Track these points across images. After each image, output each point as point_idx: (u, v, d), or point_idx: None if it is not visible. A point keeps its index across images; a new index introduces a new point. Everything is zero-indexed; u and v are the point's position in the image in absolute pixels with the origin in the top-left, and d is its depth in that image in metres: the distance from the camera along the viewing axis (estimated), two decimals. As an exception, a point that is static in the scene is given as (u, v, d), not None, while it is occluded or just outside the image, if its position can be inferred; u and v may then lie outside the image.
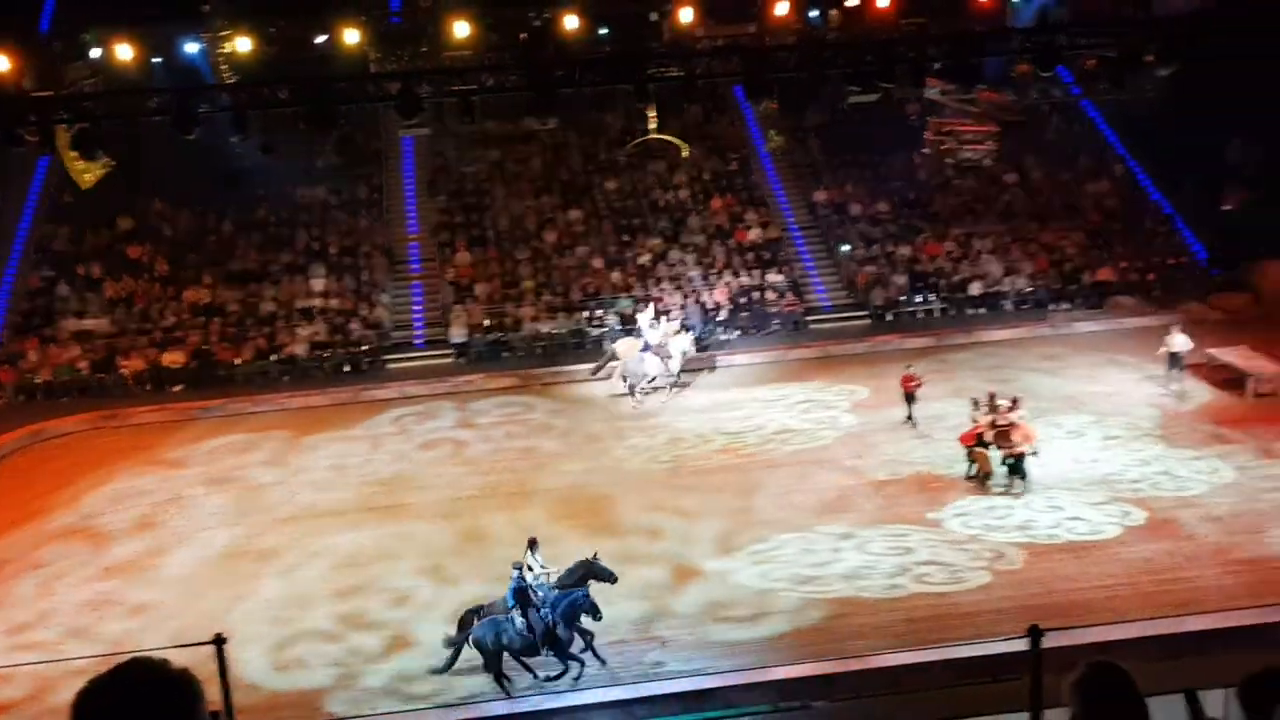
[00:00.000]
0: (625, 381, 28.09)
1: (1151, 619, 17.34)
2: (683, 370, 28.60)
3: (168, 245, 34.55)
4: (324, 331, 32.10)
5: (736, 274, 33.96)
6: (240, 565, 20.99)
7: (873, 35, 27.86)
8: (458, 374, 31.00)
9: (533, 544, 17.63)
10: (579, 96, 33.69)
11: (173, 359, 31.17)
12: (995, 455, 22.12)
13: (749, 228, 35.52)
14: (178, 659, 3.47)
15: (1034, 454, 21.73)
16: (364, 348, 31.85)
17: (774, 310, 33.03)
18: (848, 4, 31.97)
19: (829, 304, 34.32)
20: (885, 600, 18.66)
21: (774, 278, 33.83)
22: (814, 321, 33.25)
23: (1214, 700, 10.14)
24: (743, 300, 33.20)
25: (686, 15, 27.80)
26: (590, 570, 17.05)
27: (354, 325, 32.26)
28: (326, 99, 22.33)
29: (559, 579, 16.95)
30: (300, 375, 31.19)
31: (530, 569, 16.95)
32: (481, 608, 16.80)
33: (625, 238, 35.23)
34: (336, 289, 33.49)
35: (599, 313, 32.47)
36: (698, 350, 28.84)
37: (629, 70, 23.19)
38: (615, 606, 17.70)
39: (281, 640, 18.25)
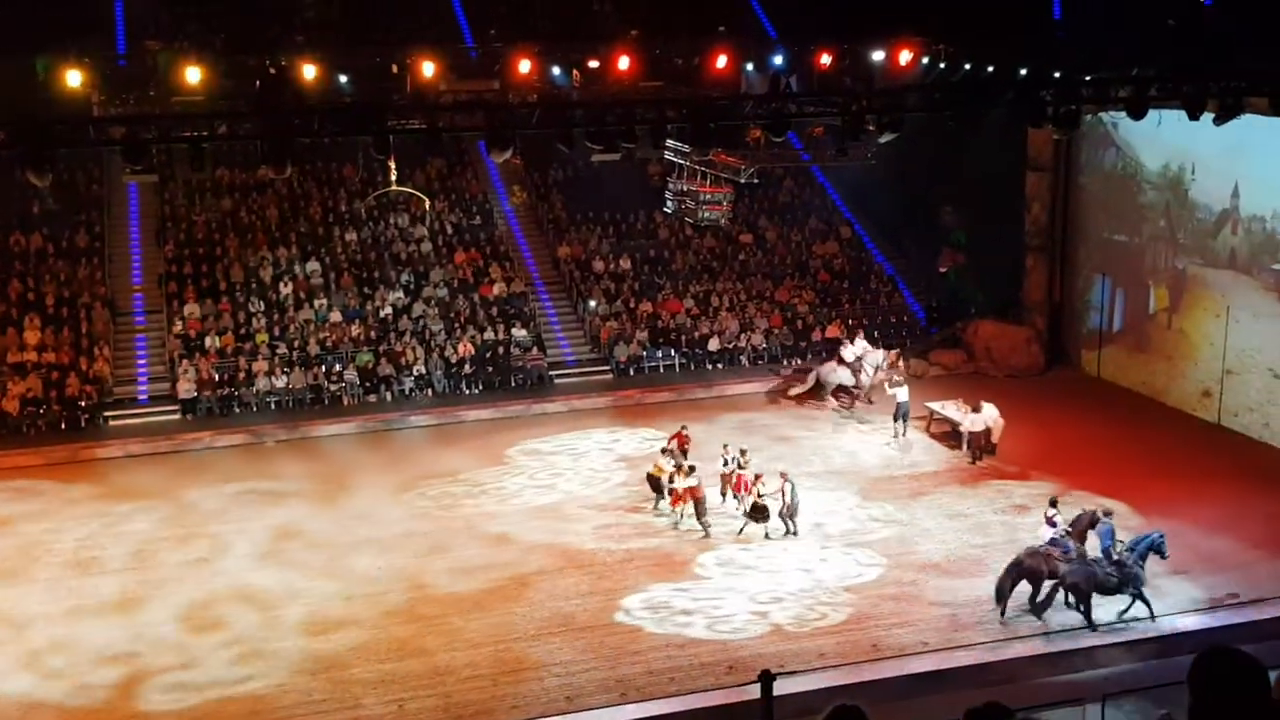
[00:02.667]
0: (821, 389, 30.21)
1: (876, 660, 18.07)
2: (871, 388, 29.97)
3: None
4: (38, 387, 30.18)
5: (481, 329, 33.83)
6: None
7: (614, 96, 28.38)
8: (183, 432, 29.73)
9: (1054, 502, 20.75)
10: (318, 146, 33.08)
11: None
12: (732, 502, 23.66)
13: (493, 282, 35.49)
14: None
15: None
16: (82, 404, 30.11)
17: (518, 364, 33.04)
18: (590, 65, 32.48)
19: (573, 359, 34.59)
20: (626, 651, 18.79)
21: (518, 333, 33.86)
22: (558, 376, 33.43)
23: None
24: (487, 355, 33.09)
25: (429, 69, 27.63)
26: (1092, 520, 20.17)
27: (72, 380, 30.44)
28: (44, 142, 21.13)
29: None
30: (11, 433, 29.22)
31: (1054, 524, 19.98)
32: (1020, 560, 19.22)
33: (366, 290, 34.63)
34: (53, 342, 31.57)
35: None
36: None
37: (369, 121, 22.87)
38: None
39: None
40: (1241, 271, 28.33)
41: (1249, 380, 28.11)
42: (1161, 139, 28.86)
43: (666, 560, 22.04)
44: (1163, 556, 19.24)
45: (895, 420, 28.01)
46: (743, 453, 24.16)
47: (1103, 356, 32.84)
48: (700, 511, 22.98)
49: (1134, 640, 18.65)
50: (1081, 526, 20.22)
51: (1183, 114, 22.50)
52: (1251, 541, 22.05)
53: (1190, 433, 28.23)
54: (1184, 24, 27.02)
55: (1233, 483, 24.75)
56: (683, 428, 26.27)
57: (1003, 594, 19.32)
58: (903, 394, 27.79)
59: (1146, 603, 18.99)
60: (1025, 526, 23.08)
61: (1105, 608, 18.98)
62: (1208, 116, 22.31)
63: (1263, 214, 27.65)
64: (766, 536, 22.62)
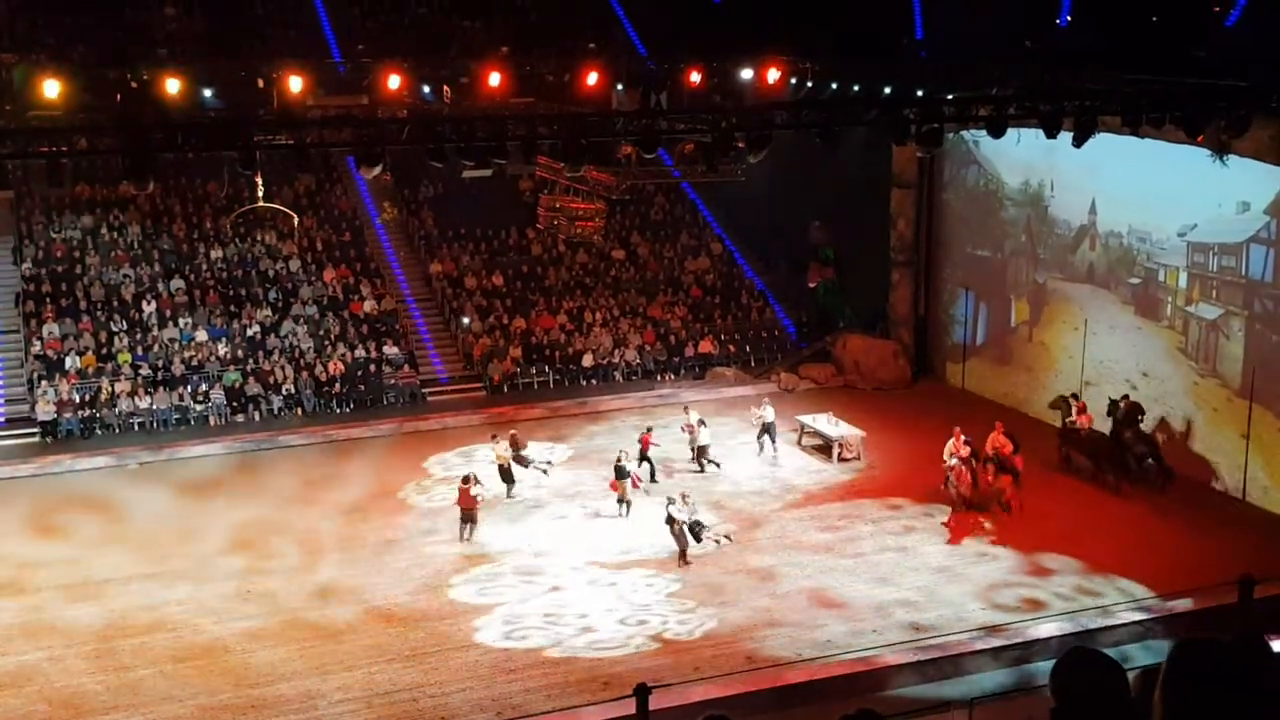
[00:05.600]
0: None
1: (750, 672, 18.22)
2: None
3: None
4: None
5: (352, 346, 33.37)
6: None
7: (485, 112, 28.27)
8: (43, 455, 28.76)
9: None
10: (182, 162, 32.35)
11: None
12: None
13: (364, 299, 35.05)
14: None
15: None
16: (-67, 428, 28.99)
17: (390, 383, 32.65)
18: (460, 81, 32.31)
19: (446, 376, 34.31)
20: (502, 670, 18.67)
21: (390, 350, 33.47)
22: (431, 394, 33.12)
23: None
24: (358, 373, 32.64)
25: (296, 84, 27.19)
26: None
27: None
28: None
29: None
30: None
31: None
32: None
33: (232, 309, 33.92)
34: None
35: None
36: None
37: (235, 136, 22.39)
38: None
39: None
40: (1099, 285, 29.29)
41: (1107, 391, 28.99)
42: (1021, 157, 29.74)
43: (538, 574, 21.98)
44: None
45: (762, 437, 28.13)
46: (625, 454, 25.08)
47: (966, 369, 33.64)
48: (469, 519, 23.39)
49: (999, 647, 19.11)
50: None
51: (1041, 132, 23.19)
52: (1113, 547, 22.77)
53: (1050, 442, 28.98)
54: (1040, 45, 27.92)
55: (1091, 491, 25.57)
56: (648, 430, 27.02)
57: None
58: (770, 414, 27.93)
59: None
60: (893, 536, 23.52)
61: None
62: (1065, 135, 23.02)
63: (1119, 229, 28.65)
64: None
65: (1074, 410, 27.23)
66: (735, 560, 22.54)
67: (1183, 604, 20.19)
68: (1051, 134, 22.89)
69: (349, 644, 19.49)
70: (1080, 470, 26.54)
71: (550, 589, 21.49)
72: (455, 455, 28.68)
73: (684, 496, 22.79)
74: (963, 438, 24.68)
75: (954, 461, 24.38)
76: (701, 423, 27.39)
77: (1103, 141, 23.52)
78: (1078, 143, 22.89)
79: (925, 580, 21.63)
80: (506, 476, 25.62)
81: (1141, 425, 26.35)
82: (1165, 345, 27.56)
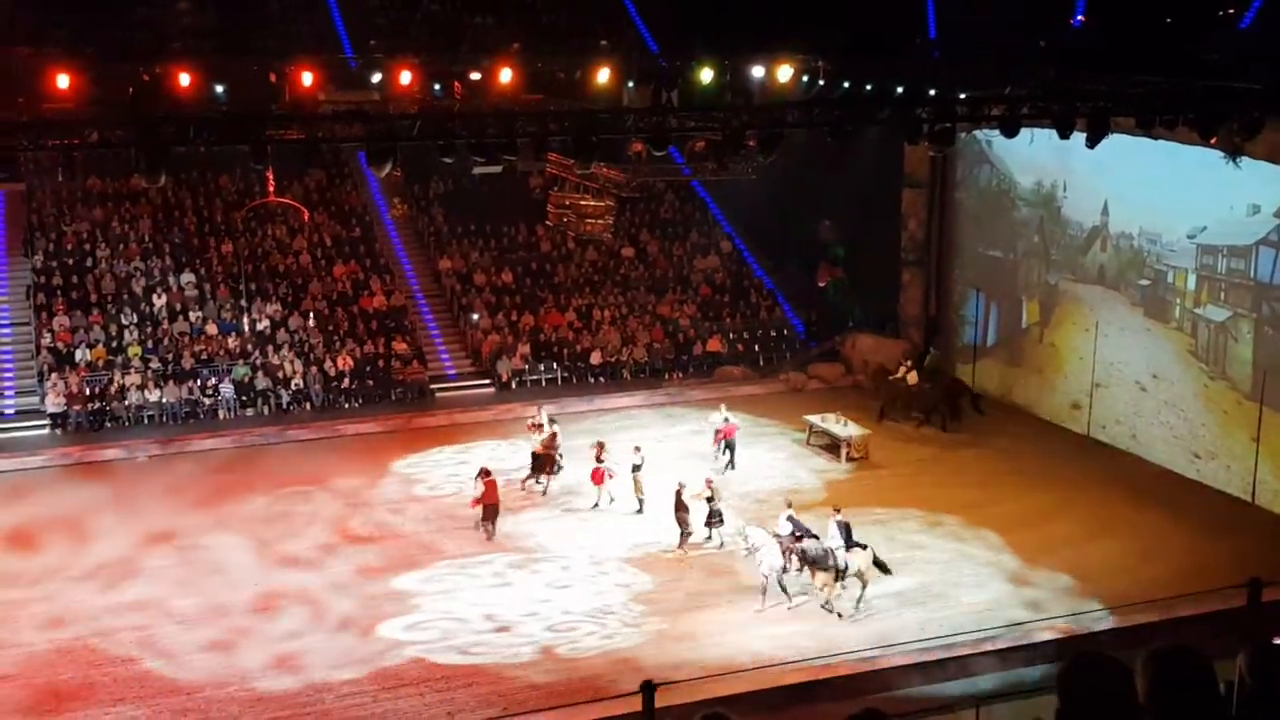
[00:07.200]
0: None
1: (755, 670, 18.20)
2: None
3: None
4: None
5: (361, 342, 33.41)
6: None
7: (496, 108, 28.26)
8: (53, 447, 28.83)
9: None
10: (193, 156, 32.40)
11: None
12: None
13: (373, 295, 35.09)
14: None
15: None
16: (-57, 419, 29.07)
17: (399, 378, 32.68)
18: (471, 77, 32.31)
19: (454, 372, 34.33)
20: (507, 665, 18.70)
21: (399, 346, 33.50)
22: (439, 390, 33.15)
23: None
24: (367, 368, 32.68)
25: (308, 79, 27.20)
26: None
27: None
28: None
29: None
30: None
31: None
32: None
33: (242, 303, 33.98)
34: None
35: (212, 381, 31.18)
36: None
37: (246, 130, 22.41)
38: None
39: None
40: (1110, 287, 29.21)
41: (1116, 393, 28.97)
42: (1034, 157, 29.60)
43: (542, 573, 22.01)
44: None
45: (724, 452, 27.32)
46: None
47: (977, 370, 33.53)
48: (489, 516, 23.39)
49: (1005, 649, 19.07)
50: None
51: (1054, 133, 23.12)
52: (1119, 550, 22.72)
53: (1061, 444, 28.96)
54: (1054, 45, 27.85)
55: (1102, 493, 25.50)
56: (725, 420, 26.99)
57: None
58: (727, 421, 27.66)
59: None
60: (901, 536, 23.48)
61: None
62: (1078, 135, 22.95)
63: (1130, 231, 28.56)
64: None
65: (901, 369, 30.96)
66: (736, 560, 22.50)
67: (1192, 607, 20.09)
68: (1064, 134, 22.84)
69: (354, 636, 19.52)
70: (899, 418, 30.16)
71: (554, 585, 21.52)
72: (459, 450, 28.68)
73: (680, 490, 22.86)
74: (788, 512, 21.65)
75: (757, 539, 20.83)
76: (553, 421, 26.98)
77: (1115, 142, 23.47)
78: (1091, 143, 22.82)
79: (932, 580, 21.59)
80: (539, 466, 25.73)
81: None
82: (1175, 348, 27.48)
